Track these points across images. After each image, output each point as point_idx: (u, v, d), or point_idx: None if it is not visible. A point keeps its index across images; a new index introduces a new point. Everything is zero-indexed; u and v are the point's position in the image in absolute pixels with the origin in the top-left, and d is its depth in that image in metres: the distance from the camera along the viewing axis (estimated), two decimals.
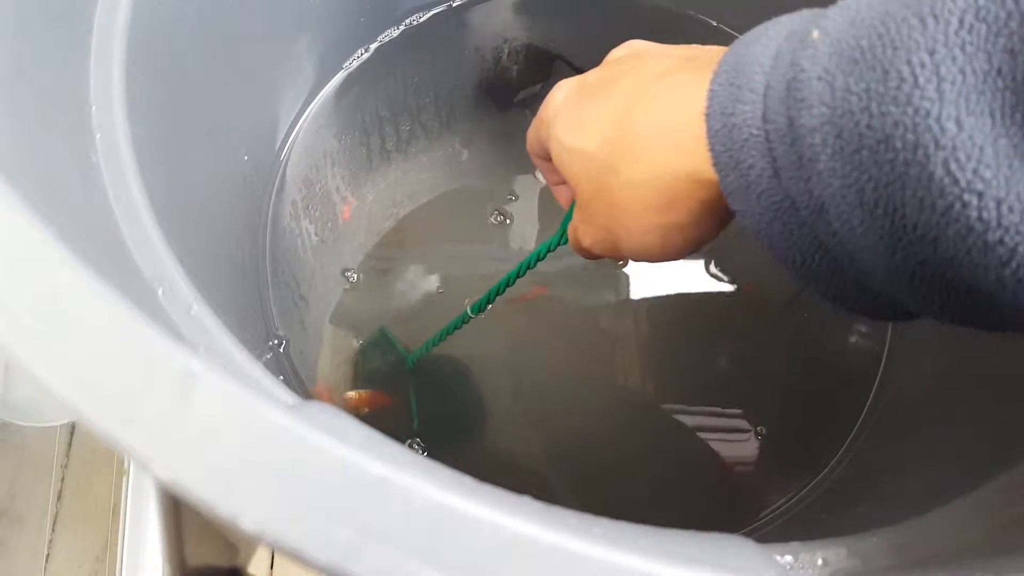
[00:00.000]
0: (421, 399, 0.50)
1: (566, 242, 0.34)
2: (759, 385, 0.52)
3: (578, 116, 0.28)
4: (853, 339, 0.52)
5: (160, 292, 0.27)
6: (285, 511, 0.12)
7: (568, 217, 0.33)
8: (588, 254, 0.32)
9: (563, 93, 0.31)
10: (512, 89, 0.61)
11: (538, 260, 0.37)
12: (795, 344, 0.52)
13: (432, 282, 0.53)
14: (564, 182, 0.34)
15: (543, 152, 0.32)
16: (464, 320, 0.44)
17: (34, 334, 0.13)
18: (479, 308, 0.42)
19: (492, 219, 0.55)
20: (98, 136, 0.29)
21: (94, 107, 0.29)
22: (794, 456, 0.49)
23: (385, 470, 0.12)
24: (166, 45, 0.35)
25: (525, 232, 0.55)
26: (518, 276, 0.38)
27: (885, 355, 0.49)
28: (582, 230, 0.30)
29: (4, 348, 0.13)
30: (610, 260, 0.44)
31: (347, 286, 0.52)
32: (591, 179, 0.28)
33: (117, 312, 0.14)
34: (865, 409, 0.48)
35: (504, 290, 0.39)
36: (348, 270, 0.53)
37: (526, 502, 0.17)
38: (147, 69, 0.33)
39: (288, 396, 0.24)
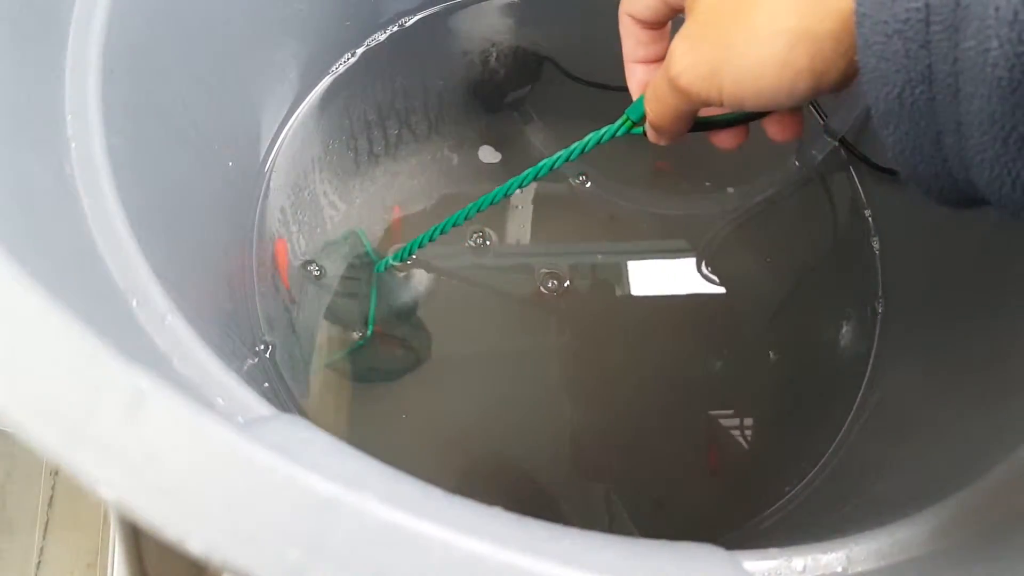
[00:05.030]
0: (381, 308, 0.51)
1: (625, 131, 0.33)
2: (748, 386, 0.52)
3: None
4: (842, 341, 0.52)
5: (134, 303, 0.27)
6: (233, 532, 0.12)
7: (634, 106, 0.32)
8: (672, 101, 0.29)
9: None
10: (501, 91, 0.61)
11: (583, 151, 0.36)
12: (785, 345, 0.52)
13: (424, 280, 0.54)
14: (645, 60, 0.33)
15: (644, 4, 0.31)
16: (458, 221, 0.43)
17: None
18: (490, 201, 0.41)
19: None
20: (73, 146, 0.29)
21: (69, 116, 0.29)
22: (784, 456, 0.49)
23: (335, 490, 0.12)
24: (144, 52, 0.35)
25: (517, 232, 0.55)
26: (552, 167, 0.37)
27: (873, 355, 0.50)
28: (681, 54, 0.27)
29: None
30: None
31: (317, 274, 0.52)
32: None
33: (68, 328, 0.13)
34: (853, 408, 0.48)
35: (531, 181, 0.38)
36: (315, 263, 0.53)
37: (495, 514, 0.16)
38: (125, 77, 0.32)
39: (262, 406, 0.24)
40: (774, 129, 0.31)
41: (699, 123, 0.32)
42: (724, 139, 0.33)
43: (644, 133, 0.33)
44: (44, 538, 0.63)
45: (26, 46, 0.28)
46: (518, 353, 0.52)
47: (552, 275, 0.52)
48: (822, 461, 0.46)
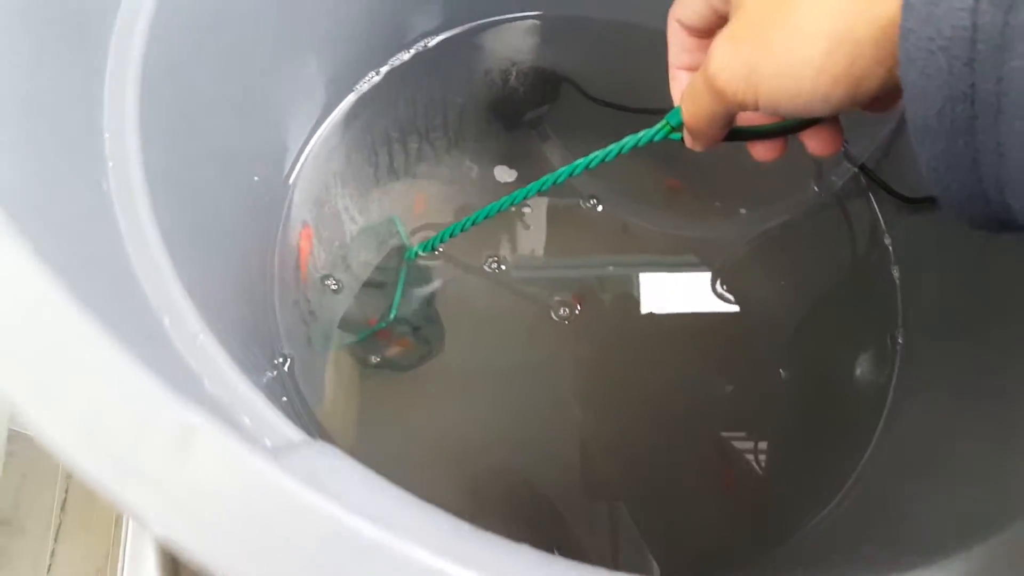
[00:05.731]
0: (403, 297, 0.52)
1: (663, 136, 0.33)
2: (762, 409, 0.51)
3: None
4: (859, 369, 0.52)
5: (167, 321, 0.27)
6: (279, 573, 0.12)
7: (674, 112, 0.32)
8: (708, 101, 0.28)
9: None
10: (520, 110, 0.61)
11: (619, 152, 0.36)
12: (800, 370, 0.52)
13: (444, 273, 0.54)
14: (690, 67, 0.33)
15: (693, 10, 0.31)
16: (500, 208, 0.44)
17: (34, 378, 0.13)
18: (524, 196, 0.41)
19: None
20: (110, 164, 0.29)
21: (107, 135, 0.30)
22: (798, 487, 0.48)
23: (379, 534, 0.13)
24: (181, 72, 0.35)
25: (535, 234, 0.55)
26: (587, 167, 0.37)
27: (892, 386, 0.49)
28: (720, 53, 0.27)
29: (6, 395, 0.13)
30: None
31: (335, 288, 0.53)
32: None
33: (120, 358, 0.14)
34: (873, 441, 0.47)
35: (563, 181, 0.39)
36: (332, 277, 0.53)
37: (524, 553, 0.17)
38: (161, 96, 0.33)
39: (289, 428, 0.24)
40: (812, 143, 0.31)
41: (736, 132, 0.32)
42: (761, 150, 0.33)
43: (682, 139, 0.33)
44: (56, 541, 0.63)
45: (67, 66, 0.29)
46: (530, 362, 0.52)
47: (564, 303, 0.52)
48: (840, 494, 0.46)
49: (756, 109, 0.26)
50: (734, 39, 0.26)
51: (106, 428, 0.13)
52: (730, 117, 0.29)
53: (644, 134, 0.34)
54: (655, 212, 0.57)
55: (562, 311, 0.52)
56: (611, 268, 0.55)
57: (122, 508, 0.13)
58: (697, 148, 0.32)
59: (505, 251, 0.54)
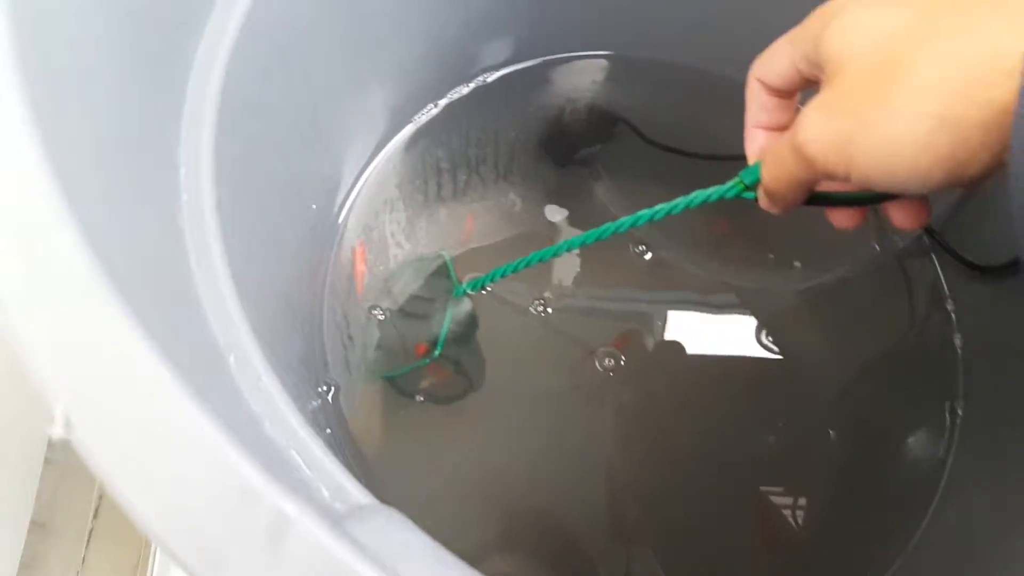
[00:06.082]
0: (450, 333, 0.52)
1: (735, 194, 0.33)
2: (808, 470, 0.50)
3: None
4: (913, 439, 0.50)
5: (232, 360, 0.27)
6: None
7: (749, 170, 0.32)
8: (794, 168, 0.28)
9: None
10: (572, 147, 0.61)
11: (687, 207, 0.35)
12: (849, 433, 0.50)
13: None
14: (768, 127, 0.33)
15: (777, 72, 0.30)
16: (555, 253, 0.44)
17: (128, 453, 0.13)
18: (580, 243, 0.41)
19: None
20: (184, 198, 0.30)
21: (183, 169, 0.30)
22: (841, 557, 0.47)
23: None
24: (255, 105, 0.36)
25: (582, 278, 0.55)
26: (651, 219, 0.37)
27: (950, 462, 0.47)
28: (813, 122, 0.26)
29: (100, 471, 0.13)
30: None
31: (381, 318, 0.53)
32: (877, 48, 0.24)
33: (217, 439, 0.14)
34: (925, 520, 0.45)
35: (624, 230, 0.38)
36: (379, 307, 0.53)
37: None
38: (235, 129, 0.33)
39: (351, 485, 0.24)
40: (898, 215, 0.30)
41: (817, 197, 0.31)
42: (841, 217, 0.32)
43: (755, 199, 0.33)
44: (87, 548, 0.64)
45: (149, 103, 0.29)
46: (569, 405, 0.51)
47: (608, 353, 0.52)
48: (889, 572, 0.44)
49: (846, 180, 0.26)
50: (830, 109, 0.26)
51: (200, 514, 0.13)
52: (814, 184, 0.29)
53: (715, 190, 0.34)
54: (703, 258, 0.56)
55: (607, 361, 0.51)
56: (655, 313, 0.54)
57: None
58: (773, 210, 0.32)
59: (550, 293, 0.54)
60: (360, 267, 0.54)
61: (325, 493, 0.25)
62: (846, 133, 0.25)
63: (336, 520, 0.17)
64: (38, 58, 0.20)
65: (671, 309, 0.54)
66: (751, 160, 0.34)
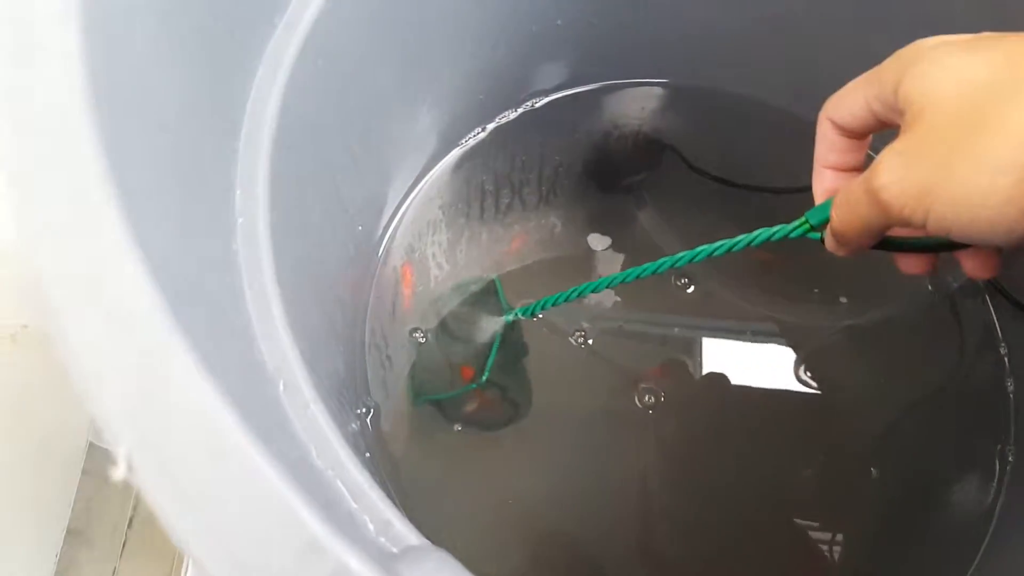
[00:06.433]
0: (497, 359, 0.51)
1: (800, 234, 0.32)
2: (849, 509, 0.49)
3: (974, 42, 0.25)
4: (960, 484, 0.49)
5: (281, 386, 0.27)
6: None
7: (816, 210, 0.31)
8: (867, 213, 0.27)
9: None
10: (618, 173, 0.61)
11: (749, 244, 0.34)
12: (892, 474, 0.49)
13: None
14: (837, 167, 0.32)
15: (851, 112, 0.30)
16: (598, 288, 0.43)
17: (195, 506, 0.13)
18: (621, 280, 0.41)
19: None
20: (240, 221, 0.30)
21: (239, 191, 0.30)
22: None
23: None
24: (310, 128, 0.36)
25: (623, 309, 0.54)
26: (710, 255, 0.36)
27: (999, 510, 0.46)
28: (891, 167, 0.26)
29: (165, 517, 0.13)
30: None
31: (422, 341, 0.53)
32: (963, 95, 0.24)
33: (279, 488, 0.13)
34: (972, 568, 0.44)
35: (682, 265, 0.38)
36: (420, 330, 0.53)
37: None
38: (291, 154, 0.33)
39: (406, 528, 0.23)
40: (971, 264, 0.30)
41: (888, 242, 0.30)
42: (912, 264, 0.32)
43: (821, 239, 0.32)
44: (120, 557, 0.64)
45: (207, 123, 0.29)
46: (607, 438, 0.51)
47: (649, 390, 0.51)
48: None
49: (922, 229, 0.25)
50: (910, 155, 0.25)
51: (260, 563, 0.13)
52: (886, 230, 0.28)
53: (779, 229, 0.33)
54: (747, 289, 0.55)
55: (647, 398, 0.51)
56: (695, 344, 0.53)
57: None
58: (840, 253, 0.31)
59: (589, 323, 0.53)
60: (407, 288, 0.54)
61: (371, 527, 0.24)
62: (927, 181, 0.24)
63: (388, 563, 0.17)
64: (108, 78, 0.20)
65: (710, 339, 0.53)
66: (818, 200, 0.33)
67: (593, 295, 0.54)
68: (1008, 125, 0.22)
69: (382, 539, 0.22)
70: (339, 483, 0.26)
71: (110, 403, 0.14)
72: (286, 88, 0.33)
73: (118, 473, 0.13)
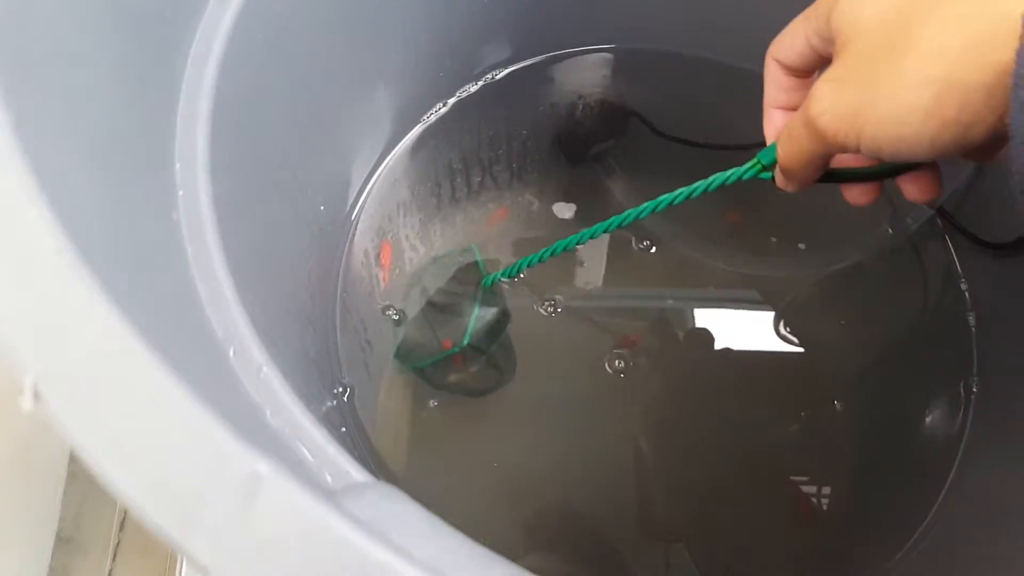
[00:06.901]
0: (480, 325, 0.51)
1: (753, 175, 0.33)
2: (828, 453, 0.50)
3: None
4: (930, 416, 0.50)
5: (231, 352, 0.27)
6: None
7: (767, 151, 0.32)
8: (807, 143, 0.28)
9: None
10: (585, 143, 0.61)
11: (706, 190, 0.35)
12: (868, 414, 0.50)
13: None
14: (786, 107, 0.33)
15: (793, 51, 0.30)
16: (569, 245, 0.43)
17: (101, 421, 0.13)
18: (590, 236, 0.41)
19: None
20: (180, 193, 0.29)
21: (178, 165, 0.30)
22: (866, 532, 0.46)
23: None
24: (251, 102, 0.36)
25: (589, 276, 0.55)
26: (672, 204, 0.37)
27: (965, 436, 0.47)
28: (823, 94, 0.26)
29: (70, 437, 0.13)
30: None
31: (396, 319, 0.53)
32: (884, 19, 0.25)
33: (189, 404, 0.13)
34: (944, 491, 0.45)
35: (646, 216, 0.38)
36: (393, 307, 0.53)
37: None
38: (231, 126, 0.33)
39: (354, 468, 0.23)
40: (911, 188, 0.30)
41: (832, 174, 0.31)
42: (856, 194, 0.32)
43: (772, 178, 0.33)
44: (113, 561, 0.64)
45: (142, 98, 0.29)
46: (588, 403, 0.51)
47: (619, 355, 0.51)
48: (909, 543, 0.44)
49: (857, 152, 0.26)
50: (839, 81, 0.26)
51: (172, 475, 0.13)
52: (828, 159, 0.28)
53: (733, 172, 0.34)
54: (714, 248, 0.55)
55: (617, 363, 0.51)
56: (666, 306, 0.54)
57: (183, 555, 0.12)
58: (789, 189, 0.32)
59: (560, 292, 0.53)
60: (384, 270, 0.54)
61: (328, 479, 0.24)
62: (855, 104, 0.25)
63: (328, 494, 0.17)
64: (11, 41, 0.20)
65: (682, 300, 0.54)
66: (769, 140, 0.33)
67: (557, 266, 0.54)
68: (925, 40, 0.23)
69: (337, 485, 0.22)
70: (297, 442, 0.26)
71: (14, 335, 0.14)
72: (222, 62, 0.33)
73: (24, 404, 0.13)
